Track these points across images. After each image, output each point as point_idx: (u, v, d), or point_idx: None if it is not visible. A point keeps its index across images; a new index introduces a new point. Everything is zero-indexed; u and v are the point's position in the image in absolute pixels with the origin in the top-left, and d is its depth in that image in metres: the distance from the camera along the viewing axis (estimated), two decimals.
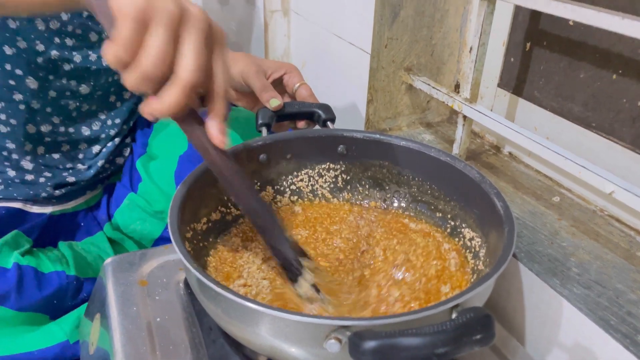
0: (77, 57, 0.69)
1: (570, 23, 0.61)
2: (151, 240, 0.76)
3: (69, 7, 0.48)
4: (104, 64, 0.72)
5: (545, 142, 0.57)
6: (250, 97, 0.69)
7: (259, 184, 0.58)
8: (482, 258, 0.49)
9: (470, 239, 0.52)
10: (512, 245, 0.42)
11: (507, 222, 0.45)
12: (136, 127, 0.83)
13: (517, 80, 0.72)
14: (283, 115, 0.62)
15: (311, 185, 0.60)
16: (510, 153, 0.72)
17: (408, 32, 0.71)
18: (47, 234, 0.73)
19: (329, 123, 0.62)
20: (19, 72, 0.65)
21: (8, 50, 0.63)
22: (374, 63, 0.71)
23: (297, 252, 0.46)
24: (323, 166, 0.59)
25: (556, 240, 0.55)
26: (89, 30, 0.70)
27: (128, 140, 0.82)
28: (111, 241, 0.76)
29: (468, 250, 0.52)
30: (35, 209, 0.74)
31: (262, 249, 0.51)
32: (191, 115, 0.39)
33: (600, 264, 0.52)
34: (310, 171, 0.59)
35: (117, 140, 0.79)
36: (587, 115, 0.63)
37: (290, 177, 0.59)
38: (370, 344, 0.31)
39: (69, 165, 0.75)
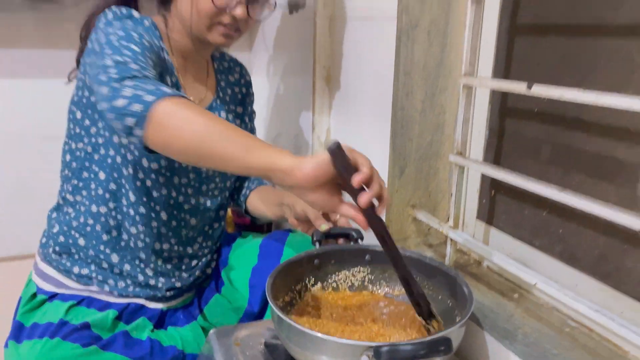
0: (193, 200, 1.05)
1: None
2: None
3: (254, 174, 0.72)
4: (207, 205, 1.07)
5: (502, 256, 0.87)
6: (306, 224, 1.02)
7: (313, 279, 0.89)
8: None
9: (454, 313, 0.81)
10: (470, 310, 0.71)
11: (469, 299, 0.74)
12: (221, 247, 1.17)
13: (489, 215, 1.04)
14: (329, 235, 0.95)
15: (347, 282, 0.91)
16: (487, 266, 1.02)
17: (412, 183, 1.06)
18: (161, 321, 1.03)
19: (359, 240, 0.94)
20: (157, 208, 1.01)
21: (155, 194, 0.99)
22: (389, 203, 1.05)
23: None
24: (355, 269, 0.91)
25: (511, 320, 0.83)
26: (202, 184, 1.06)
27: (215, 256, 1.15)
28: (202, 328, 1.05)
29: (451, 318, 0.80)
30: (152, 305, 1.04)
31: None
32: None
33: (538, 334, 0.79)
34: (347, 272, 0.90)
35: (208, 257, 1.12)
36: (532, 239, 0.94)
37: (333, 275, 0.90)
38: (384, 349, 0.60)
39: (176, 274, 1.07)
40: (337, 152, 0.64)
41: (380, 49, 1.04)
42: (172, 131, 0.70)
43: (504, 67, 0.96)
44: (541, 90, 0.73)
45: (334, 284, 0.91)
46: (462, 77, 0.90)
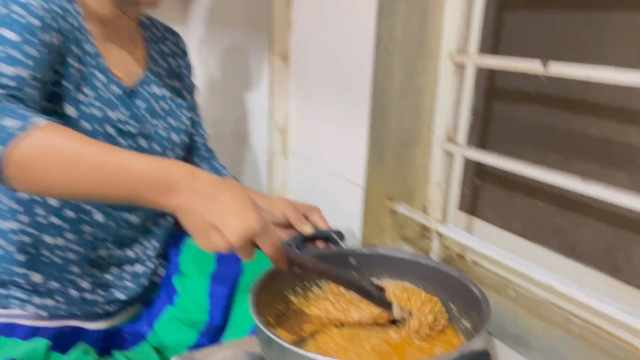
0: None
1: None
2: (187, 347, 0.90)
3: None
4: None
5: (496, 249, 0.79)
6: (283, 230, 0.89)
7: (294, 290, 0.76)
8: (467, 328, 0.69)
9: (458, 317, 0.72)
10: (489, 315, 0.62)
11: (483, 300, 0.66)
12: (168, 249, 1.00)
13: (472, 205, 0.96)
14: (309, 239, 0.82)
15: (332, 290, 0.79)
16: (473, 261, 0.95)
17: (389, 172, 0.96)
18: (104, 345, 0.86)
19: (340, 241, 0.83)
20: (90, 209, 0.83)
21: None
22: (367, 195, 0.94)
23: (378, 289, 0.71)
24: None
25: (517, 322, 0.76)
26: None
27: (163, 261, 0.99)
28: (155, 349, 0.89)
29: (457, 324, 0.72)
30: (91, 326, 0.87)
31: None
32: None
33: (548, 337, 0.72)
34: None
35: (155, 260, 0.96)
36: (524, 230, 0.87)
37: (317, 283, 0.78)
38: None
39: (118, 284, 0.90)
40: None
41: (353, 23, 0.92)
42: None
43: (492, 44, 0.88)
44: (561, 69, 0.65)
45: (314, 292, 0.79)
46: (455, 55, 0.80)
